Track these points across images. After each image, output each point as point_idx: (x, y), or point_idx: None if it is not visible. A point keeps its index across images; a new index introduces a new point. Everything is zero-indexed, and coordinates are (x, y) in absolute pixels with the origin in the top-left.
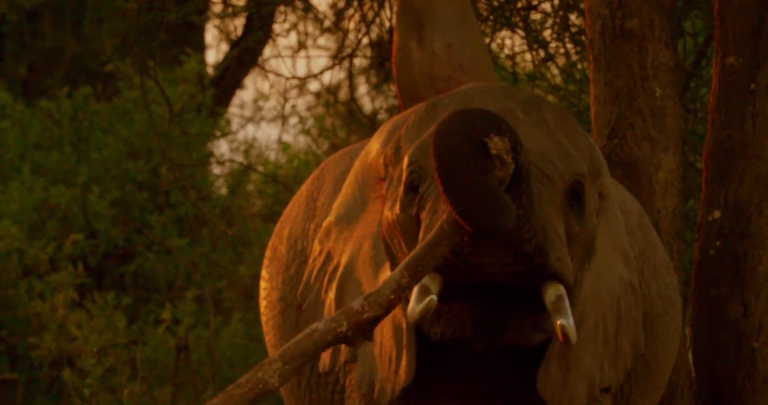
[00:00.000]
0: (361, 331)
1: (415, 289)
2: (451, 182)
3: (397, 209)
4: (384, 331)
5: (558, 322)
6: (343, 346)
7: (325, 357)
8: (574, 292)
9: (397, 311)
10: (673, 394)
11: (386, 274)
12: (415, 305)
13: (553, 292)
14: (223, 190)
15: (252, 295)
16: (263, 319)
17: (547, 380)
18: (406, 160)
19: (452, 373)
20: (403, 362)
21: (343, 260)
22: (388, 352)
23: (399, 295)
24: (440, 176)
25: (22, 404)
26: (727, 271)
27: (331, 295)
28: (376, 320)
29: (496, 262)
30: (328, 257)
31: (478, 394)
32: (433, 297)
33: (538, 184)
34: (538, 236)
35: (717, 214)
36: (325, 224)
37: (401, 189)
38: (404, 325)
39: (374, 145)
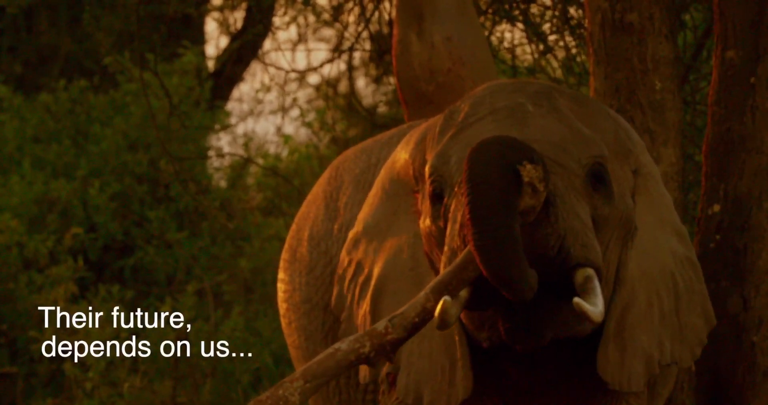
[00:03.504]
0: (384, 352)
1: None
2: (480, 225)
3: (428, 221)
4: (433, 343)
5: (574, 300)
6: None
7: (365, 368)
8: (619, 273)
9: None
10: (673, 388)
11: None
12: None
13: (581, 274)
14: (223, 183)
15: (252, 288)
16: (284, 321)
17: (606, 362)
18: (426, 171)
19: (501, 375)
20: (459, 375)
21: (376, 271)
22: (439, 364)
23: (424, 318)
24: (470, 214)
25: (22, 398)
26: (727, 265)
27: (365, 306)
28: (399, 342)
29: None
30: (359, 268)
31: (529, 393)
32: (447, 298)
33: (553, 174)
34: (561, 240)
35: (717, 207)
36: (351, 235)
37: (427, 201)
38: (456, 337)
39: (401, 155)
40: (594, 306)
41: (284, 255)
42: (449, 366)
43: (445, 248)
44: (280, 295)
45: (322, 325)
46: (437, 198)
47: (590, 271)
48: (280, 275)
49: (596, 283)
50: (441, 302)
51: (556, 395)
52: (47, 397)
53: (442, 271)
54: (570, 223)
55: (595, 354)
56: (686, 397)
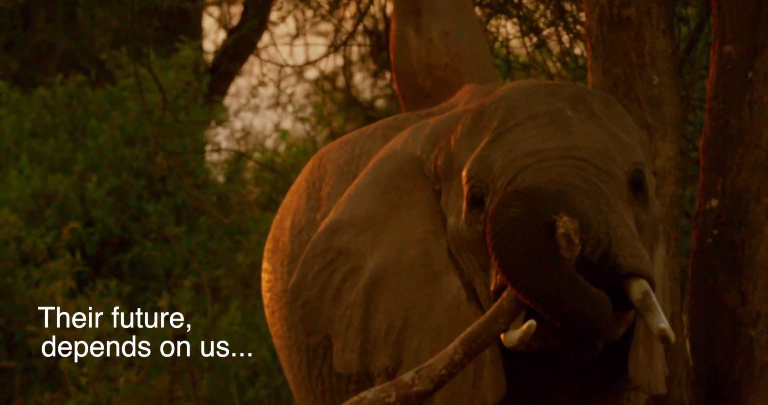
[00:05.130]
0: (409, 403)
1: None
2: (523, 275)
3: (463, 224)
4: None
5: (659, 327)
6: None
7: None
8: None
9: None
10: (670, 383)
11: (450, 283)
12: (512, 329)
13: (638, 289)
14: (221, 178)
15: (250, 283)
16: (268, 311)
17: (637, 365)
18: (464, 175)
19: (526, 378)
20: (489, 378)
21: (373, 264)
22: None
23: (451, 370)
24: (507, 271)
25: (19, 392)
26: (725, 260)
27: (357, 297)
28: (426, 394)
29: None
30: (339, 256)
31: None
32: (533, 322)
33: (602, 183)
34: (603, 243)
35: (714, 202)
36: (329, 222)
37: (464, 204)
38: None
39: (408, 148)
40: (661, 322)
41: (268, 245)
42: (473, 368)
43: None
44: (264, 284)
45: None
46: (477, 202)
47: (646, 285)
48: (264, 265)
49: (654, 298)
50: (526, 326)
51: (561, 392)
52: (45, 391)
53: (476, 279)
54: (617, 230)
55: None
56: (684, 392)
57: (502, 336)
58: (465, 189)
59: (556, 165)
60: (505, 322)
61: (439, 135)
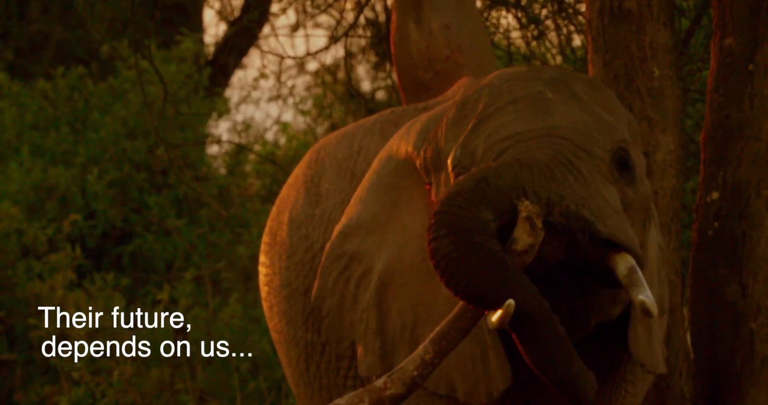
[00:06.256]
0: None
1: None
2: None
3: None
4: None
5: (639, 298)
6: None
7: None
8: (642, 256)
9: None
10: (671, 375)
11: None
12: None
13: (623, 265)
14: (222, 171)
15: (250, 275)
16: (266, 304)
17: (637, 343)
18: (449, 163)
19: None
20: (495, 364)
21: (379, 264)
22: (468, 351)
23: (423, 371)
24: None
25: (20, 385)
26: (725, 253)
27: (370, 299)
28: (399, 398)
29: (553, 248)
30: (352, 261)
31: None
32: (511, 301)
33: (579, 160)
34: (576, 212)
35: (715, 195)
36: (340, 227)
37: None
38: (484, 326)
39: (402, 146)
40: (647, 298)
41: (264, 238)
42: (480, 355)
43: None
44: (261, 278)
45: (302, 310)
46: None
47: (631, 261)
48: (261, 258)
49: (640, 273)
50: (505, 305)
51: None
52: (45, 384)
53: None
54: (591, 201)
55: (601, 339)
56: (684, 385)
57: (487, 320)
58: (451, 177)
59: (532, 144)
60: (473, 317)
61: (429, 130)
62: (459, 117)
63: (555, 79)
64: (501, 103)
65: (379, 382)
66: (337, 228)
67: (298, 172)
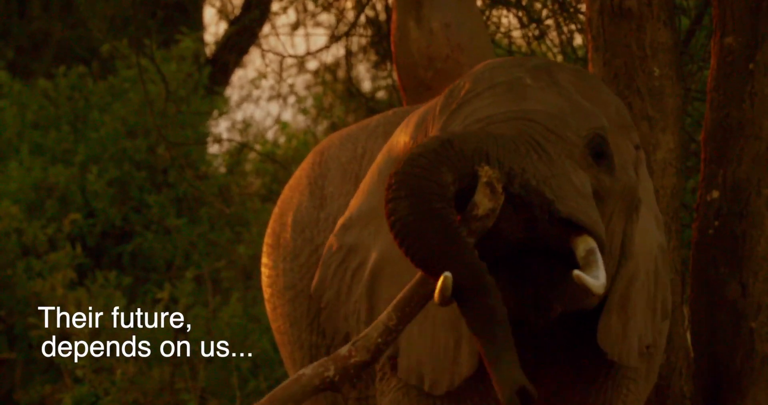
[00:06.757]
0: (348, 376)
1: None
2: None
3: None
4: (436, 322)
5: (574, 272)
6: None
7: None
8: (625, 246)
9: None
10: (671, 374)
11: None
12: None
13: (583, 247)
14: (222, 169)
15: (251, 274)
16: (269, 306)
17: (607, 333)
18: None
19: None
20: (464, 352)
21: (373, 255)
22: (442, 343)
23: (387, 338)
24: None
25: (20, 384)
26: (726, 252)
27: (362, 290)
28: (364, 365)
29: (511, 224)
30: (350, 253)
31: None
32: (448, 274)
33: (547, 143)
34: (535, 188)
35: (715, 194)
36: (342, 221)
37: None
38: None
39: (401, 138)
40: (595, 278)
41: (267, 239)
42: (453, 344)
43: None
44: (264, 279)
45: (307, 312)
46: None
47: (592, 243)
48: (264, 260)
49: (599, 255)
50: (441, 278)
51: (556, 379)
52: (46, 383)
53: None
54: (553, 181)
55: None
56: (684, 383)
57: (438, 295)
58: None
59: (501, 126)
60: (435, 283)
61: (424, 120)
62: (445, 104)
63: (537, 66)
64: (480, 88)
65: (344, 350)
66: (340, 221)
67: (301, 174)
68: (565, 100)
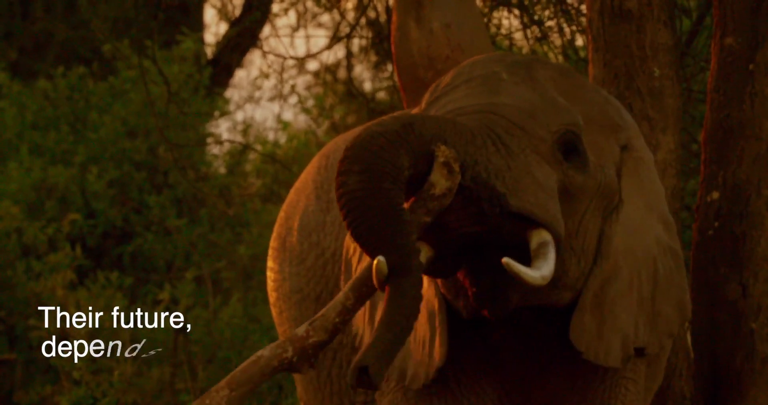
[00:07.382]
0: (307, 356)
1: None
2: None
3: None
4: (420, 319)
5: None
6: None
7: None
8: (602, 246)
9: (431, 295)
10: (671, 375)
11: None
12: None
13: (536, 239)
14: (222, 170)
15: (251, 275)
16: (275, 310)
17: (581, 331)
18: None
19: (485, 348)
20: (437, 344)
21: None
22: (422, 337)
23: (344, 317)
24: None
25: (20, 385)
26: (726, 252)
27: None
28: (321, 345)
29: (459, 217)
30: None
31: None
32: (381, 258)
33: (509, 136)
34: (485, 180)
35: (716, 194)
36: None
37: None
38: (437, 308)
39: None
40: (537, 269)
41: (273, 243)
42: (429, 337)
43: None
44: (270, 283)
45: (313, 316)
46: None
47: (546, 236)
48: (270, 264)
49: (550, 248)
50: (375, 262)
51: (554, 379)
52: (46, 384)
53: None
54: (510, 174)
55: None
56: (684, 384)
57: (375, 279)
58: None
59: (465, 118)
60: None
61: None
62: (430, 99)
63: (516, 62)
64: (458, 81)
65: (301, 330)
66: None
67: (307, 177)
68: (539, 95)
